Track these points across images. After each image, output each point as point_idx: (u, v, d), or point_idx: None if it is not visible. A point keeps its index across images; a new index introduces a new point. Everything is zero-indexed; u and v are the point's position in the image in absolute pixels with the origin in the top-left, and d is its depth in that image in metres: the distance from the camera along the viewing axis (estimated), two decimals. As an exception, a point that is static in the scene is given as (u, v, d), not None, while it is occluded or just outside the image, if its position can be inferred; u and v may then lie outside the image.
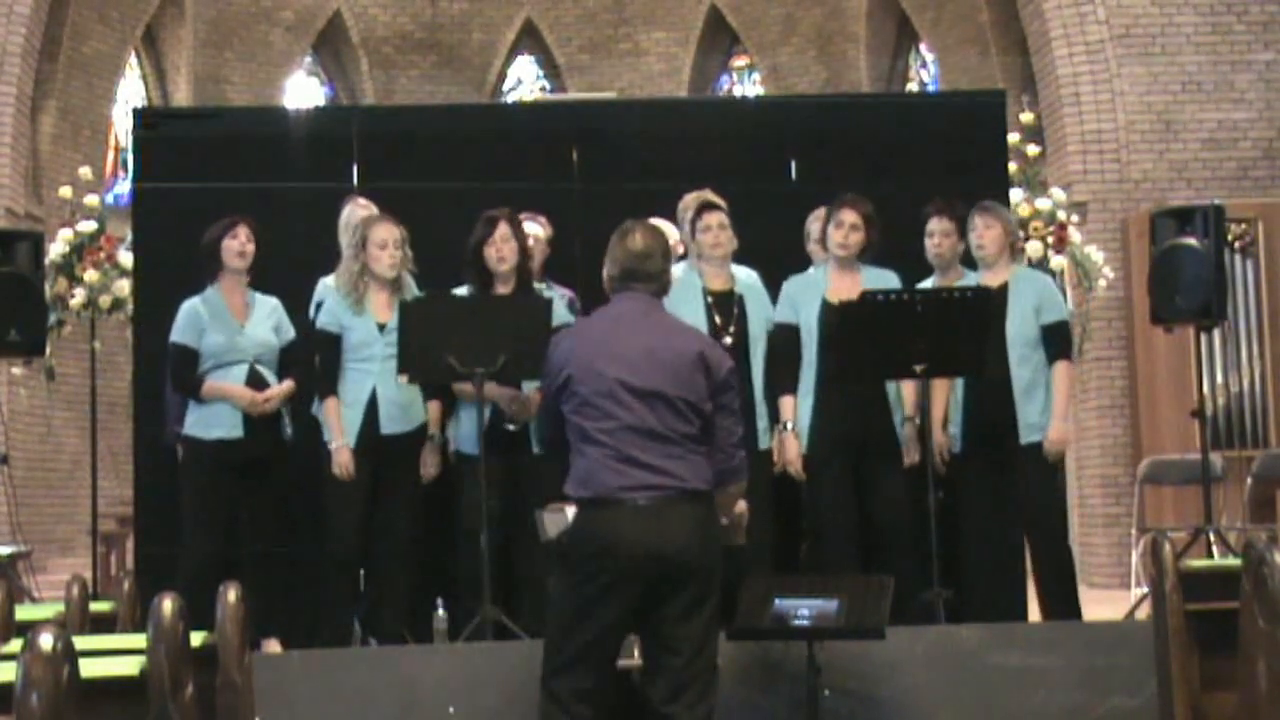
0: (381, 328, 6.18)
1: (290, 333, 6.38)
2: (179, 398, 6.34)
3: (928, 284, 6.41)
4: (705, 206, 6.25)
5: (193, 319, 6.22)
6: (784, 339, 6.24)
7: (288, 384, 6.28)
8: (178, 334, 6.23)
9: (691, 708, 4.35)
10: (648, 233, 4.64)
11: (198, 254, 6.29)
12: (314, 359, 6.26)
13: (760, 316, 6.25)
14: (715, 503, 4.50)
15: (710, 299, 6.16)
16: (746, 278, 6.33)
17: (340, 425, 6.13)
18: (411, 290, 6.29)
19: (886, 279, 6.29)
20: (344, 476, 6.08)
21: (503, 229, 6.18)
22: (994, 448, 6.21)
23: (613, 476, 4.30)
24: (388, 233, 6.19)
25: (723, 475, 4.49)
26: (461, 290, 6.29)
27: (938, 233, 6.40)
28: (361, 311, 6.19)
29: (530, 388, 6.16)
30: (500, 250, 6.17)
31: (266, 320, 6.33)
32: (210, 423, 6.18)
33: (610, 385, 4.34)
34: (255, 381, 6.21)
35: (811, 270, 6.48)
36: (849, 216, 6.22)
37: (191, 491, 6.25)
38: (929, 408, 6.15)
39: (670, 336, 4.50)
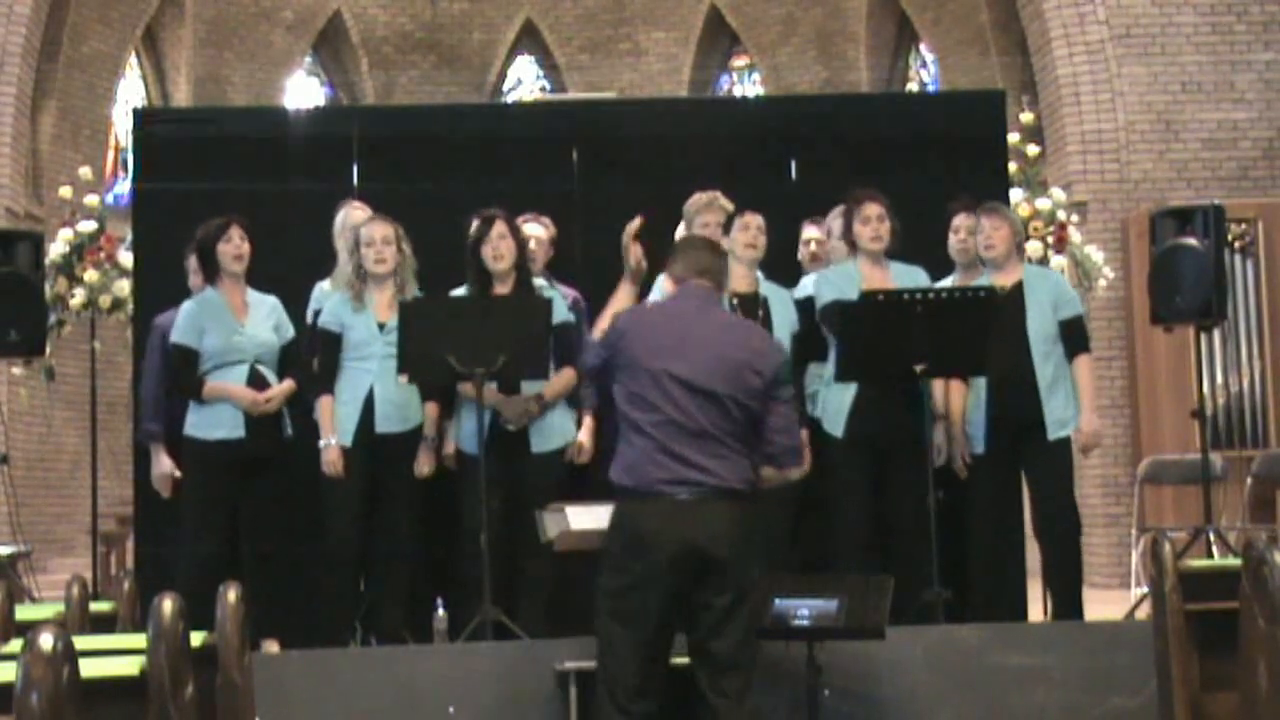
0: (381, 327, 6.19)
1: (290, 332, 6.38)
2: (152, 397, 6.38)
3: (949, 281, 6.42)
4: (744, 208, 6.22)
5: (193, 320, 6.22)
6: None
7: (288, 384, 6.27)
8: (178, 335, 6.23)
9: (739, 699, 4.40)
10: (702, 236, 5.10)
11: (192, 255, 6.28)
12: (312, 358, 6.26)
13: (784, 320, 6.19)
14: (761, 488, 4.60)
15: (735, 301, 6.15)
16: (770, 280, 6.32)
17: (331, 424, 6.13)
18: (414, 291, 6.30)
19: (915, 275, 6.29)
20: (332, 475, 6.09)
21: (499, 227, 6.18)
22: (1016, 446, 6.22)
23: (655, 470, 4.37)
24: (379, 230, 6.20)
25: (782, 457, 4.59)
26: (461, 290, 6.30)
27: (964, 229, 6.43)
28: (361, 309, 6.20)
29: (531, 388, 6.17)
30: (497, 248, 6.18)
31: (266, 320, 6.32)
32: (211, 423, 6.17)
33: (662, 380, 4.41)
34: (256, 381, 6.21)
35: (837, 265, 6.45)
36: (874, 210, 6.22)
37: (192, 492, 6.24)
38: (932, 408, 6.16)
39: (725, 333, 4.57)
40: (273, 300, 6.40)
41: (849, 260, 6.37)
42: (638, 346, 4.50)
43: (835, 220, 6.51)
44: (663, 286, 4.83)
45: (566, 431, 6.28)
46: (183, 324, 6.23)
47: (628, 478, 4.44)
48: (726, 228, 6.20)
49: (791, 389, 4.72)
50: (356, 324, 6.20)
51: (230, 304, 6.26)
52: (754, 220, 6.16)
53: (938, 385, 6.22)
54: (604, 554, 4.51)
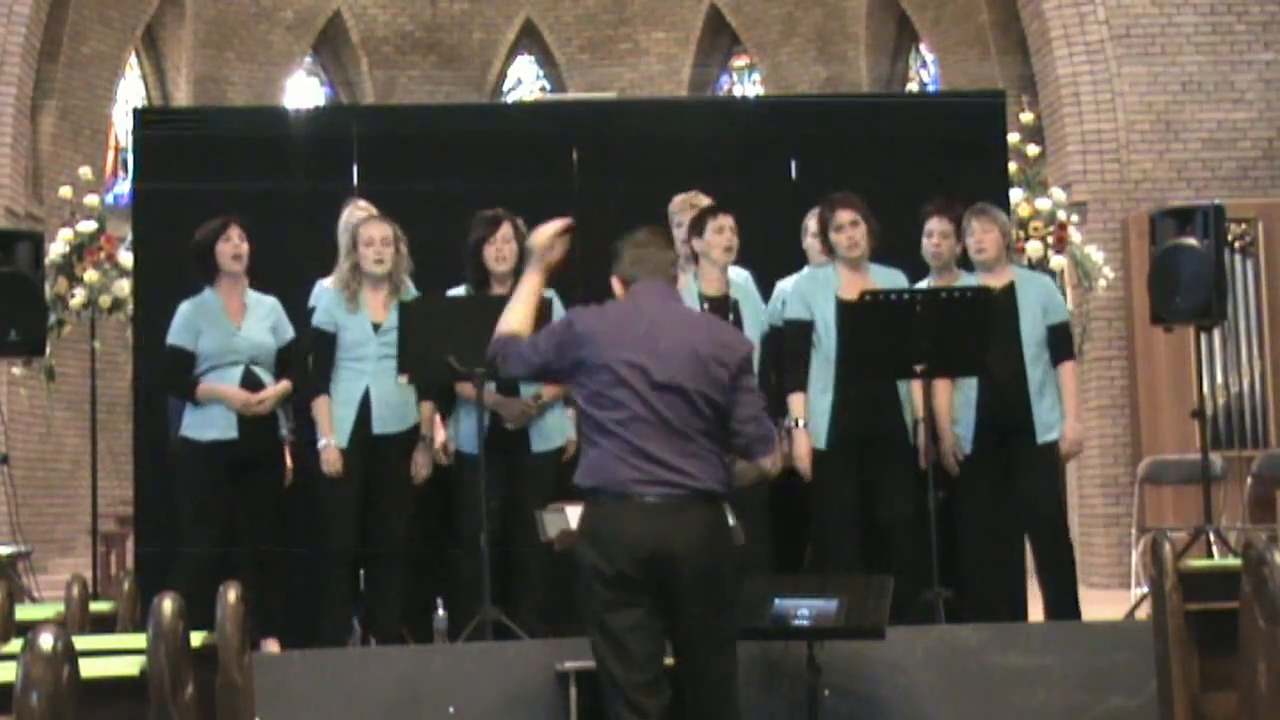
0: (376, 327, 6.18)
1: (289, 333, 6.37)
2: (179, 400, 6.36)
3: (924, 284, 6.41)
4: (716, 209, 6.21)
5: (188, 321, 6.22)
6: (797, 335, 6.13)
7: (283, 384, 6.27)
8: (173, 336, 6.24)
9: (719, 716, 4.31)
10: (646, 228, 4.64)
11: (189, 255, 6.28)
12: (306, 357, 6.26)
13: (754, 320, 6.18)
14: (739, 478, 4.41)
15: (706, 304, 6.13)
16: (740, 280, 6.30)
17: (329, 424, 6.12)
18: (410, 292, 6.29)
19: (895, 278, 6.28)
20: (332, 475, 6.08)
21: (505, 229, 6.20)
22: (1004, 447, 6.22)
23: (626, 470, 4.17)
24: (378, 231, 6.20)
25: (751, 446, 4.36)
26: (458, 290, 6.30)
27: (936, 233, 6.40)
28: (356, 310, 6.19)
29: (529, 392, 6.17)
30: (501, 250, 6.19)
31: (264, 321, 6.32)
32: (205, 424, 6.17)
33: (626, 375, 4.21)
34: (250, 383, 6.20)
35: (816, 268, 6.45)
36: (845, 216, 6.19)
37: (188, 493, 6.24)
38: (934, 407, 6.15)
39: (689, 328, 4.39)
40: (271, 301, 6.40)
41: (827, 262, 6.35)
42: (600, 345, 4.27)
43: (811, 219, 6.50)
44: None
45: (564, 430, 6.30)
46: (178, 326, 6.23)
47: (595, 479, 4.22)
48: (697, 228, 6.17)
49: (755, 378, 4.48)
50: (351, 324, 6.19)
51: (227, 305, 6.26)
52: (726, 221, 6.13)
53: (916, 387, 6.19)
54: (579, 564, 4.27)
